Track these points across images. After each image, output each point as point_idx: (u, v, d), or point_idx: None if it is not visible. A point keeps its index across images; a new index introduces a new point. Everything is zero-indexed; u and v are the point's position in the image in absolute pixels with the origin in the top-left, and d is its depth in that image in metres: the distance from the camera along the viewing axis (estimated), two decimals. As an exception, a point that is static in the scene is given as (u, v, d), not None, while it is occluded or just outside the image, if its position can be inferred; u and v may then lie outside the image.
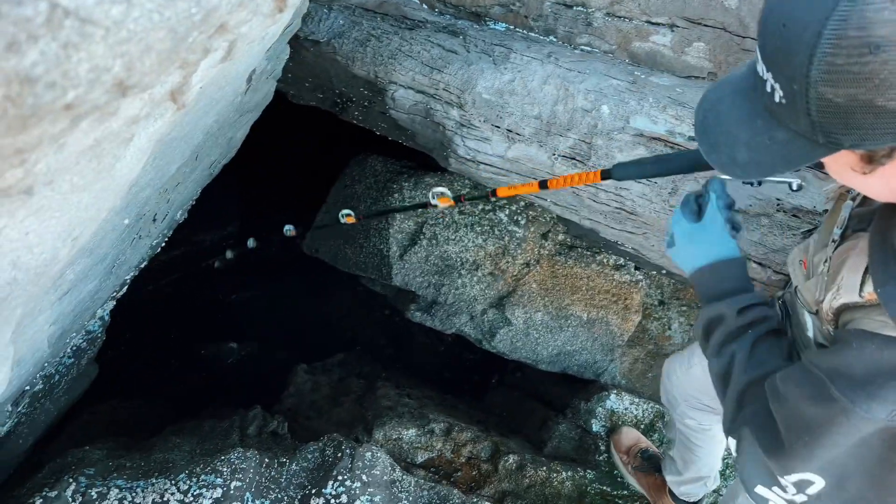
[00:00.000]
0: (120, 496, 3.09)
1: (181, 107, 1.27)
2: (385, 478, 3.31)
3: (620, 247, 3.85)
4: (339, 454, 3.33)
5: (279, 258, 6.30)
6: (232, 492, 3.09)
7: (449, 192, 2.66)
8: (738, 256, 1.33)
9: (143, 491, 3.14)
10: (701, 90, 3.22)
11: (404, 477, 3.42)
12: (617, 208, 3.10)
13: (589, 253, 4.37)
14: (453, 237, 4.34)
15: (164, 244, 3.89)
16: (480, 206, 4.33)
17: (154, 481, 3.18)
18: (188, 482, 3.15)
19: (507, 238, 4.30)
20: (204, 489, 3.11)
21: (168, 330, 5.96)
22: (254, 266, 6.38)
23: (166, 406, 4.97)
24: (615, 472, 3.97)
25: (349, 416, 4.44)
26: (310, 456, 3.38)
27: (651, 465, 3.60)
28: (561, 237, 4.39)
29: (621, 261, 4.34)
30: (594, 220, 3.41)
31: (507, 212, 4.33)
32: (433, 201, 2.53)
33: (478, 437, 4.05)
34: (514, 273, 4.35)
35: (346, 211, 3.52)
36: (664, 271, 4.05)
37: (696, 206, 1.40)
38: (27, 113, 0.66)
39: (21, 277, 1.19)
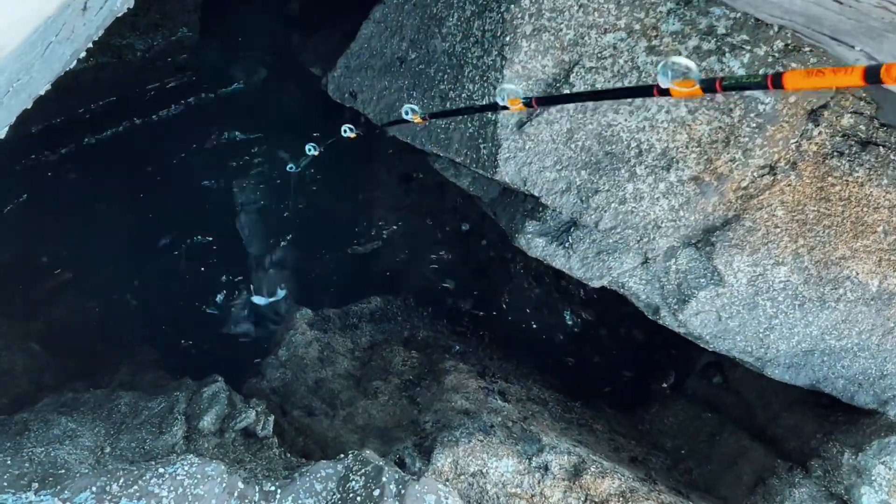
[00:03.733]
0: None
1: None
2: (458, 549, 3.08)
3: None
4: (376, 489, 3.09)
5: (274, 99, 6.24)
6: (176, 537, 2.95)
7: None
8: None
9: (12, 513, 2.98)
10: None
11: (493, 553, 3.17)
12: None
13: (903, 161, 3.86)
14: (627, 98, 3.90)
15: (83, 53, 3.76)
16: (693, 41, 3.83)
17: (33, 499, 2.99)
18: (93, 509, 2.97)
19: (738, 112, 3.85)
20: (126, 525, 2.96)
21: (67, 209, 5.78)
22: (233, 109, 6.27)
23: (45, 351, 4.96)
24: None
25: (388, 417, 4.31)
26: (318, 486, 3.15)
27: None
28: (849, 121, 3.90)
29: (966, 182, 3.83)
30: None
31: (745, 58, 3.79)
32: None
33: (632, 489, 3.78)
34: (743, 183, 3.96)
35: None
36: None
37: None
38: None
39: None
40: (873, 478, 3.82)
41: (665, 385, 5.22)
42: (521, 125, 4.02)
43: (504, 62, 3.97)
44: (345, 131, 4.39)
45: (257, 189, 6.32)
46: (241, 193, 6.32)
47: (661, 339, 4.59)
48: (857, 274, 4.00)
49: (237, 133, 6.45)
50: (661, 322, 4.23)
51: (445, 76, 4.36)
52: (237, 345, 5.51)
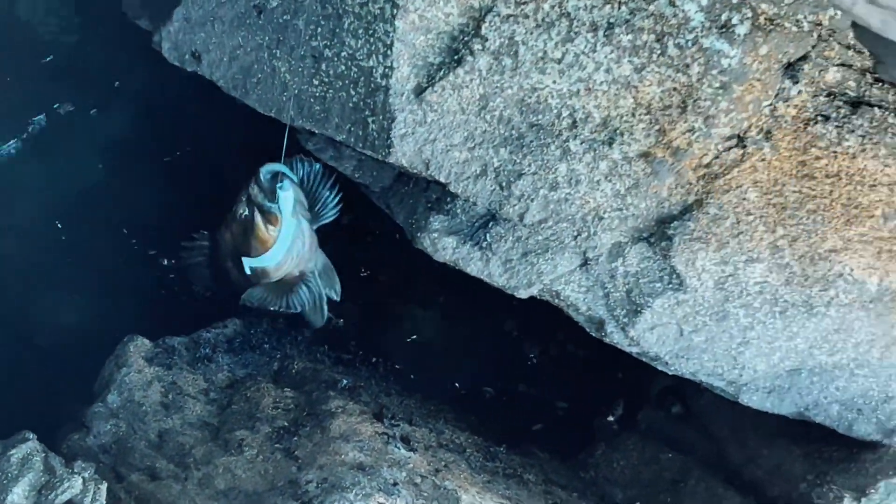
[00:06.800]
0: None
1: None
2: None
3: None
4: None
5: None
6: None
7: None
8: None
9: None
10: None
11: None
12: None
13: (906, 123, 3.90)
14: (557, 53, 3.88)
15: None
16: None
17: None
18: None
19: (696, 69, 3.83)
20: None
21: None
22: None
23: None
24: None
25: (258, 477, 4.21)
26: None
27: None
28: (835, 76, 3.90)
29: None
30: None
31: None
32: None
33: None
34: (706, 159, 3.99)
35: None
36: None
37: None
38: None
39: None
40: (883, 529, 3.81)
41: (612, 419, 5.21)
42: (420, 91, 4.01)
43: (395, 11, 3.92)
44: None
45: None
46: None
47: (604, 357, 4.63)
48: (852, 270, 4.01)
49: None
50: (607, 340, 4.22)
51: (319, 29, 4.29)
52: (52, 387, 5.37)
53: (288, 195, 4.62)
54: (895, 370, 4.05)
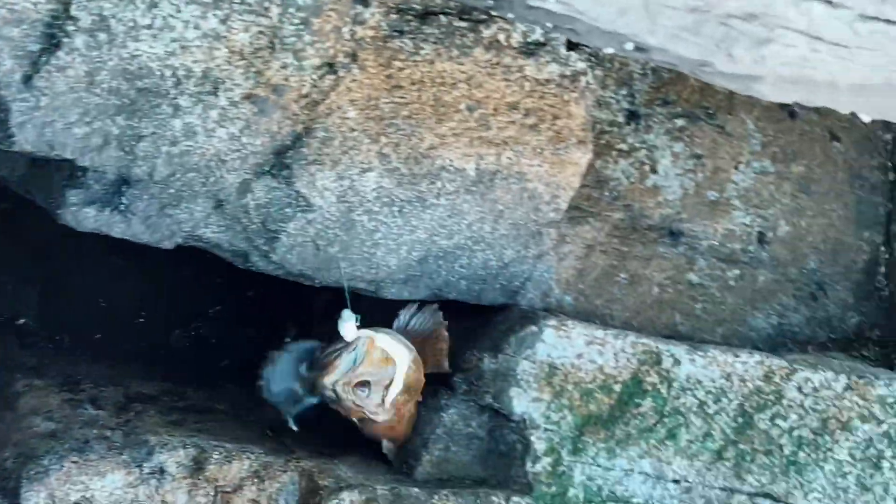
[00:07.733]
0: None
1: None
2: None
3: (536, 5, 3.51)
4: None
5: None
6: None
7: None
8: None
9: None
10: None
11: None
12: None
13: (465, 25, 4.13)
14: (146, 20, 3.89)
15: None
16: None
17: None
18: None
19: (275, 10, 3.95)
20: None
21: None
22: None
23: None
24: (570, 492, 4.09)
25: None
26: None
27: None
28: None
29: (537, 34, 4.16)
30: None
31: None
32: None
33: (265, 465, 3.96)
34: (304, 90, 4.09)
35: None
36: (632, 48, 3.74)
37: None
38: None
39: None
40: (519, 377, 4.04)
41: (289, 340, 5.09)
42: (27, 79, 3.91)
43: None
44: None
45: None
46: None
47: (274, 286, 4.65)
48: (451, 161, 4.20)
49: None
50: (253, 269, 4.30)
51: None
52: None
53: (349, 324, 4.13)
54: (506, 240, 4.25)
